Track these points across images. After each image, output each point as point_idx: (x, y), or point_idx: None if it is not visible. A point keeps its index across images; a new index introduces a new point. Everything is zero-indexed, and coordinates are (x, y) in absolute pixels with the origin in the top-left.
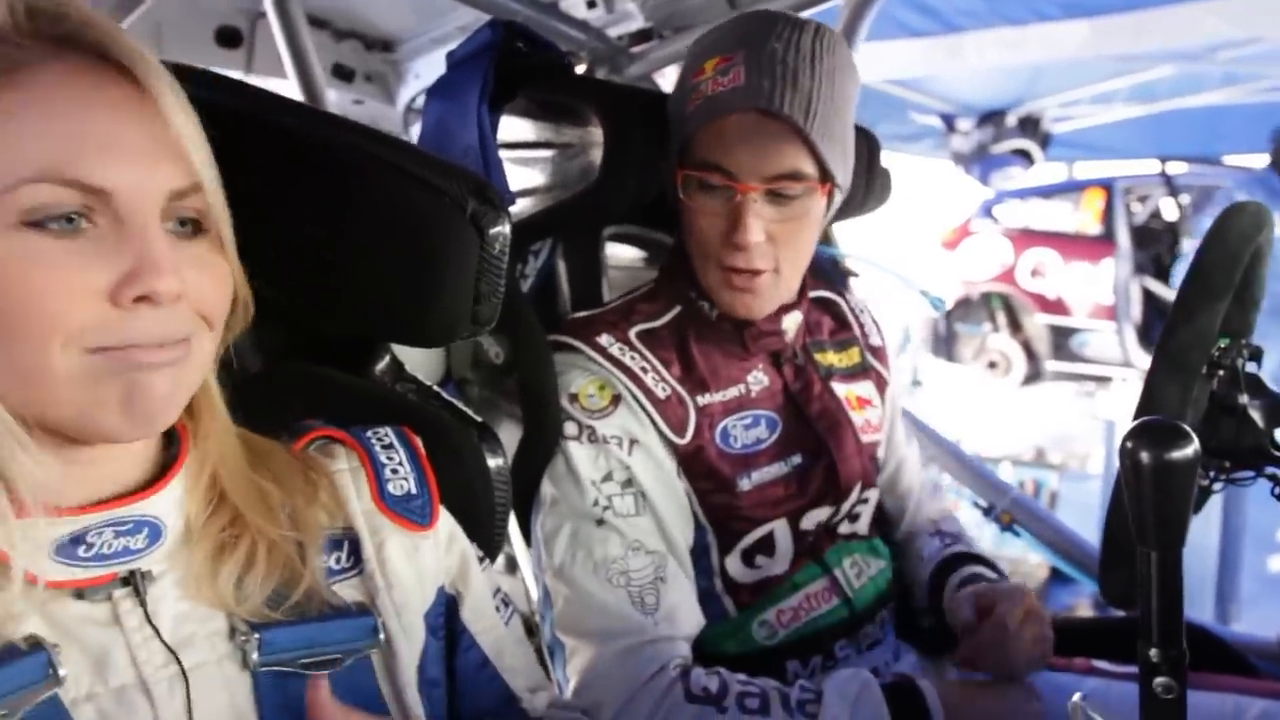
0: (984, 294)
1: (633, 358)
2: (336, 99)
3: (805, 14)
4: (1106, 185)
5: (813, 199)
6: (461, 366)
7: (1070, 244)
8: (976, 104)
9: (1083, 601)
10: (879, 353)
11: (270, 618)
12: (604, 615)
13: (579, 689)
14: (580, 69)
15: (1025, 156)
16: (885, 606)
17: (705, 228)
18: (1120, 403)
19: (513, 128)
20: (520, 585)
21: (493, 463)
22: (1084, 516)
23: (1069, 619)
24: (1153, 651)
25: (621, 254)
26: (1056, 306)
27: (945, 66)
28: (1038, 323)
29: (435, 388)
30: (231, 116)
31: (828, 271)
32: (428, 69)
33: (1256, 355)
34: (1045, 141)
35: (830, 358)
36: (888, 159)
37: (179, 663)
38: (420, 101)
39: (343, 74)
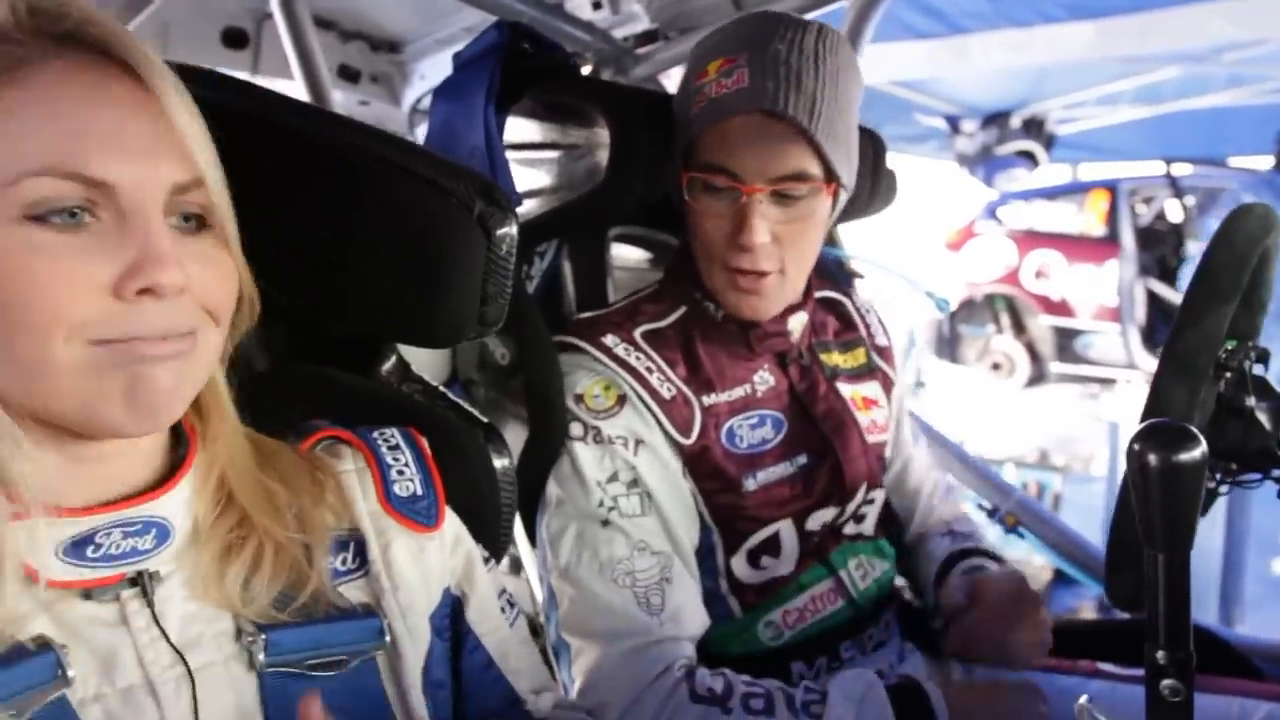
0: (988, 295)
1: (638, 358)
2: (342, 100)
3: (810, 15)
4: (1111, 187)
5: (818, 199)
6: (467, 367)
7: (1075, 246)
8: (981, 105)
9: (1087, 604)
10: (885, 353)
11: (277, 619)
12: (609, 616)
13: (584, 689)
14: (586, 70)
15: (1030, 158)
16: (888, 608)
17: (710, 229)
18: (1124, 405)
19: (519, 129)
20: (525, 586)
21: (498, 463)
22: (1087, 519)
23: (1073, 621)
24: (1160, 654)
25: (627, 255)
26: (1061, 308)
27: (950, 68)
28: (1042, 324)
29: (441, 388)
30: (238, 117)
31: (833, 273)
32: (433, 70)
33: (1264, 358)
34: (1050, 143)
35: (836, 358)
36: (892, 160)
37: (185, 663)
38: (425, 103)
39: (348, 75)
